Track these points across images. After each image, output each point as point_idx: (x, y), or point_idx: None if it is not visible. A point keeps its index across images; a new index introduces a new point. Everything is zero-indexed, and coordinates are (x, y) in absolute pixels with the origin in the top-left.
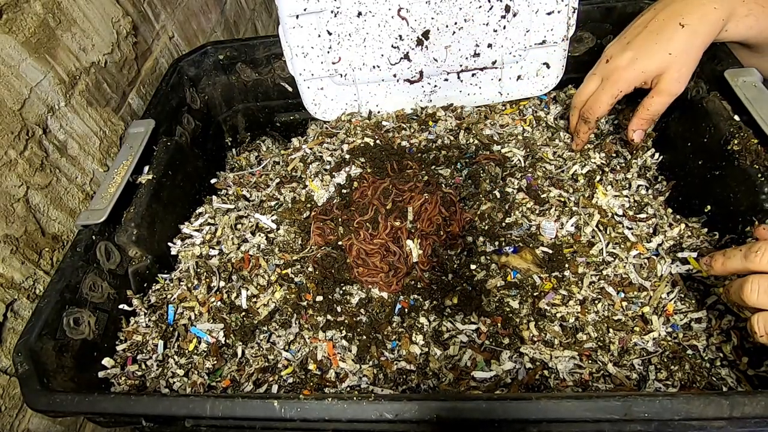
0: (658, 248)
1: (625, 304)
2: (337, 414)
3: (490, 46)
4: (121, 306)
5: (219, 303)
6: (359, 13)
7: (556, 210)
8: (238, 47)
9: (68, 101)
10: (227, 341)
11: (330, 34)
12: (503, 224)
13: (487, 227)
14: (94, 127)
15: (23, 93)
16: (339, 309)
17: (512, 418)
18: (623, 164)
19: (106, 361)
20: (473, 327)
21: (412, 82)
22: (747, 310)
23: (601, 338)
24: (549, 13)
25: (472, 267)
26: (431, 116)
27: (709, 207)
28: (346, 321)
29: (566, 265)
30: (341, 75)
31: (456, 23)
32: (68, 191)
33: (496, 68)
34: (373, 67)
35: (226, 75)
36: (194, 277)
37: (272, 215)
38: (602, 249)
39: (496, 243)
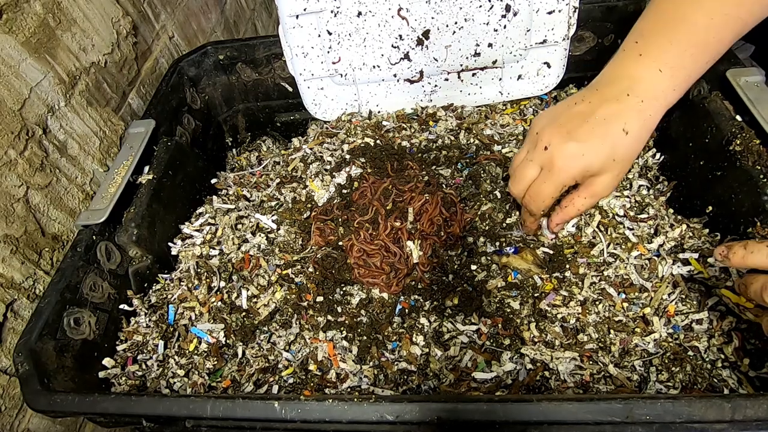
0: (660, 249)
1: (626, 305)
2: (338, 415)
3: (490, 45)
4: (121, 306)
5: (219, 303)
6: (359, 13)
7: None
8: (238, 47)
9: (68, 101)
10: (227, 341)
11: (330, 34)
12: (504, 225)
13: (487, 228)
14: (94, 127)
15: (23, 93)
16: (339, 309)
17: (513, 419)
18: None
19: (107, 361)
20: (474, 328)
21: (412, 82)
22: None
23: (602, 339)
24: (550, 13)
25: (473, 267)
26: (431, 116)
27: (710, 208)
28: (346, 321)
29: (567, 266)
30: (341, 75)
31: (456, 23)
32: (68, 191)
33: (496, 68)
34: (373, 67)
35: (226, 75)
36: (194, 277)
37: (272, 215)
38: (603, 250)
39: (497, 243)
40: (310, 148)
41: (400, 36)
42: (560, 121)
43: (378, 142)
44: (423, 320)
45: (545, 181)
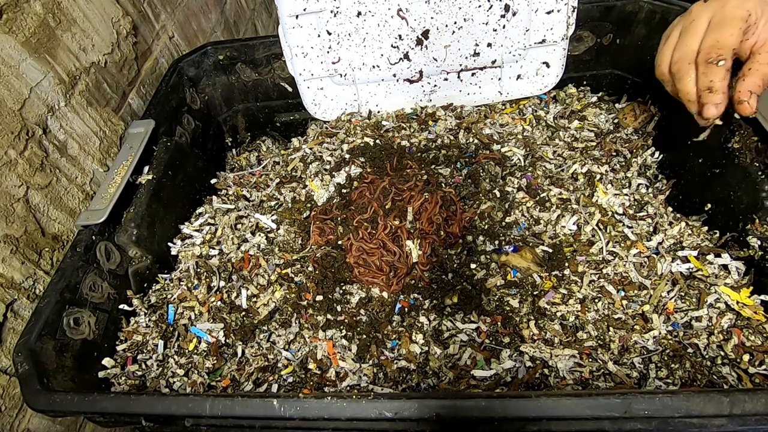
0: (659, 247)
1: (625, 302)
2: (337, 413)
3: (489, 45)
4: (121, 306)
5: (219, 303)
6: (359, 13)
7: (557, 209)
8: (238, 47)
9: (68, 101)
10: (227, 341)
11: (330, 34)
12: (503, 223)
13: (487, 226)
14: (94, 127)
15: (23, 93)
16: (339, 308)
17: (512, 416)
18: (623, 163)
19: (106, 361)
20: (473, 326)
21: (411, 82)
22: None
23: (602, 337)
24: (548, 12)
25: (472, 266)
26: (431, 116)
27: (709, 205)
28: (346, 320)
29: (566, 264)
30: (341, 75)
31: (455, 23)
32: (68, 191)
33: (495, 67)
34: (373, 66)
35: (226, 75)
36: (194, 277)
37: (272, 215)
38: (602, 248)
39: (496, 242)
40: (310, 148)
41: (400, 36)
42: None
43: (377, 141)
44: (422, 319)
45: (725, 22)
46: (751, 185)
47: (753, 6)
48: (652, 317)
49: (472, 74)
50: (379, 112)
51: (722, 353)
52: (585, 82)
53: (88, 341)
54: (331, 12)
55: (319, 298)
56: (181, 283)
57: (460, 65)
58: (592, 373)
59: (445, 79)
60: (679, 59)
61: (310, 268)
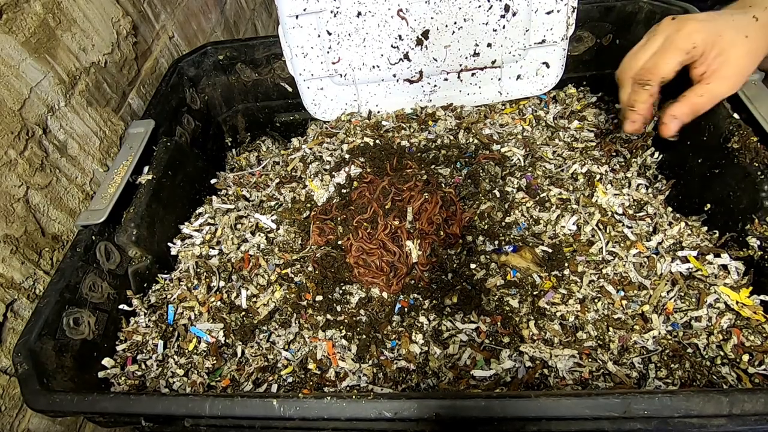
0: (658, 247)
1: (624, 302)
2: (337, 413)
3: (489, 45)
4: (121, 306)
5: (219, 303)
6: (359, 13)
7: (557, 209)
8: (238, 47)
9: (68, 101)
10: (227, 341)
11: (330, 34)
12: (503, 223)
13: (486, 226)
14: (94, 127)
15: (23, 93)
16: (339, 308)
17: (511, 416)
18: (623, 163)
19: (106, 361)
20: (473, 326)
21: (411, 82)
22: None
23: (601, 337)
24: (548, 13)
25: (472, 266)
26: (431, 116)
27: (708, 205)
28: (345, 320)
29: (566, 264)
30: (341, 75)
31: (455, 23)
32: (68, 191)
33: (495, 68)
34: (373, 67)
35: (226, 75)
36: (194, 277)
37: (272, 215)
38: (602, 248)
39: (496, 242)
40: (310, 148)
41: (400, 36)
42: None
43: (377, 141)
44: (422, 319)
45: (667, 49)
46: (750, 185)
47: (702, 39)
48: (651, 317)
49: (472, 74)
50: (379, 112)
51: (722, 353)
52: (585, 83)
53: (88, 341)
54: (331, 12)
55: (319, 298)
56: (181, 283)
57: (460, 65)
58: (592, 373)
59: (445, 80)
60: (625, 71)
61: (310, 268)
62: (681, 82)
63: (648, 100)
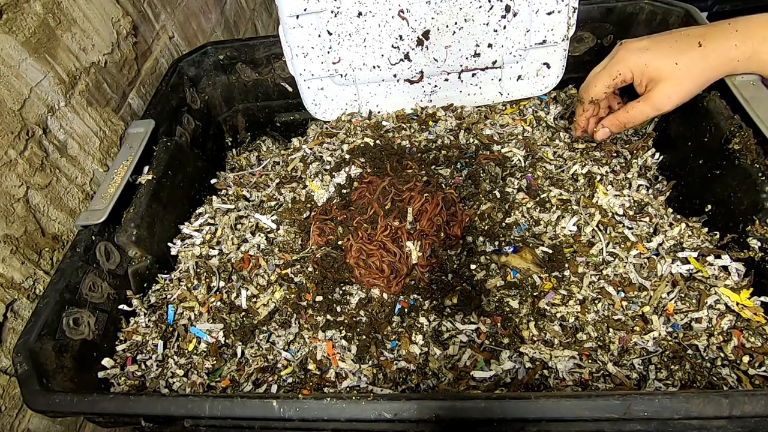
0: (659, 248)
1: (625, 303)
2: (336, 413)
3: (490, 46)
4: (120, 306)
5: (219, 303)
6: (359, 13)
7: (557, 209)
8: (238, 47)
9: (68, 101)
10: (227, 341)
11: (330, 34)
12: (503, 224)
13: (487, 227)
14: (94, 127)
15: (23, 93)
16: (338, 309)
17: (511, 417)
18: (623, 164)
19: (106, 362)
20: (473, 327)
21: (412, 82)
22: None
23: (601, 338)
24: (549, 13)
25: (472, 267)
26: (431, 116)
27: (709, 206)
28: (345, 321)
29: (566, 265)
30: (341, 75)
31: (456, 23)
32: (68, 191)
33: (496, 68)
34: (374, 67)
35: (226, 75)
36: (194, 277)
37: (272, 215)
38: (602, 249)
39: (496, 243)
40: (310, 148)
41: (400, 36)
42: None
43: (378, 142)
44: (422, 319)
45: (603, 67)
46: (751, 187)
47: (628, 67)
48: (651, 318)
49: (473, 75)
50: (379, 112)
51: (722, 355)
52: None
53: (88, 341)
54: (332, 12)
55: (319, 298)
56: (181, 283)
57: (461, 66)
58: (592, 375)
59: (446, 80)
60: (584, 84)
61: (310, 269)
62: None
63: (582, 114)
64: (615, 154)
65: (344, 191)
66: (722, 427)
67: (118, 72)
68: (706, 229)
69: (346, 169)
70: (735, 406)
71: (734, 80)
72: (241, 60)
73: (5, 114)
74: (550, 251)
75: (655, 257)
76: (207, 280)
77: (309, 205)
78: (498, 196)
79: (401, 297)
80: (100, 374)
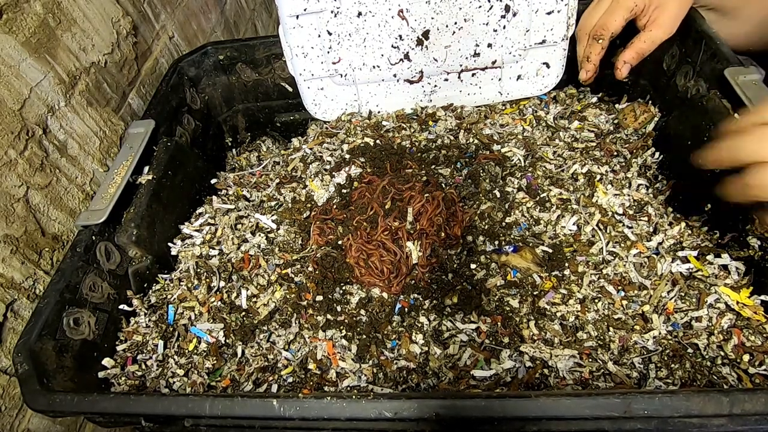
0: (658, 247)
1: (625, 302)
2: (337, 413)
3: (490, 45)
4: (121, 306)
5: (219, 303)
6: (359, 13)
7: (557, 209)
8: (238, 47)
9: (68, 101)
10: (227, 341)
11: (330, 34)
12: (503, 224)
13: (487, 227)
14: (94, 127)
15: (23, 93)
16: (339, 308)
17: (511, 415)
18: (623, 163)
19: (106, 362)
20: (473, 326)
21: (412, 82)
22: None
23: (602, 337)
24: (549, 13)
25: (472, 266)
26: (431, 116)
27: (709, 206)
28: (345, 320)
29: (566, 264)
30: (341, 75)
31: (456, 23)
32: (68, 191)
33: (496, 68)
34: (373, 67)
35: (226, 75)
36: (194, 277)
37: (272, 215)
38: (602, 248)
39: (496, 242)
40: (310, 148)
41: (400, 36)
42: None
43: (378, 141)
44: (422, 319)
45: (615, 8)
46: None
47: None
48: (652, 317)
49: (473, 75)
50: (379, 112)
51: (722, 353)
52: None
53: (88, 341)
54: (332, 12)
55: (319, 298)
56: (181, 283)
57: (461, 66)
58: (592, 373)
59: (446, 80)
60: (580, 28)
61: (310, 269)
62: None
63: (601, 52)
64: (615, 154)
65: (344, 191)
66: (722, 425)
67: (118, 72)
68: (705, 228)
69: (346, 169)
70: (735, 405)
71: (737, 80)
72: (241, 60)
73: (5, 114)
74: (550, 250)
75: (655, 256)
76: (207, 280)
77: (309, 205)
78: (498, 195)
79: (401, 296)
80: (101, 374)
